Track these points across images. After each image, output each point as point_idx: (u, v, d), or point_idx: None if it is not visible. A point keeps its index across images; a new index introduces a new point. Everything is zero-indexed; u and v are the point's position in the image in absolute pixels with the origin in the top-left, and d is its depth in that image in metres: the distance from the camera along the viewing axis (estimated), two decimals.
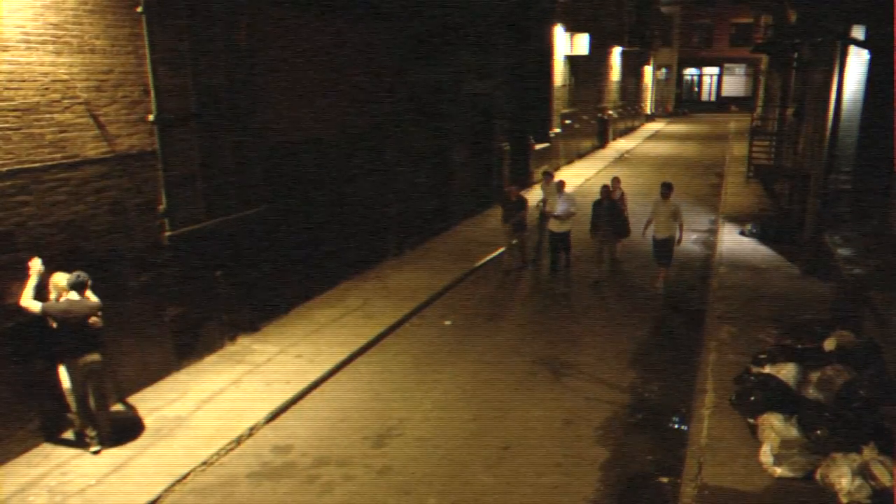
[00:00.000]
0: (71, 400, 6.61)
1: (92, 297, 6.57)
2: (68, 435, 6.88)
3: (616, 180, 13.25)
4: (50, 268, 6.56)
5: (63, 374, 6.57)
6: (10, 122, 6.18)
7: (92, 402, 6.63)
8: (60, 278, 6.46)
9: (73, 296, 6.40)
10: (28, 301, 6.27)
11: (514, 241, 12.57)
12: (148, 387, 7.88)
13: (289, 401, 7.74)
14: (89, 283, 6.53)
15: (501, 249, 13.87)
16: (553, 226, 12.29)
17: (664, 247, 11.48)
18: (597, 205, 11.95)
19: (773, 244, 13.66)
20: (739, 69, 52.27)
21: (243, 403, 7.61)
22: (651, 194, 20.63)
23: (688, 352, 9.13)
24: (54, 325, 6.39)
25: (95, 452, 6.60)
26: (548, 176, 13.44)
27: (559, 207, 12.08)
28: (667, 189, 11.39)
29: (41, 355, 6.59)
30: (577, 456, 6.78)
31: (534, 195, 19.52)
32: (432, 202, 14.82)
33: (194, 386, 7.97)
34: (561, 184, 12.47)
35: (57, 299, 6.43)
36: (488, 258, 13.23)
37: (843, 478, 5.74)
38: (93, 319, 6.48)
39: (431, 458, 6.77)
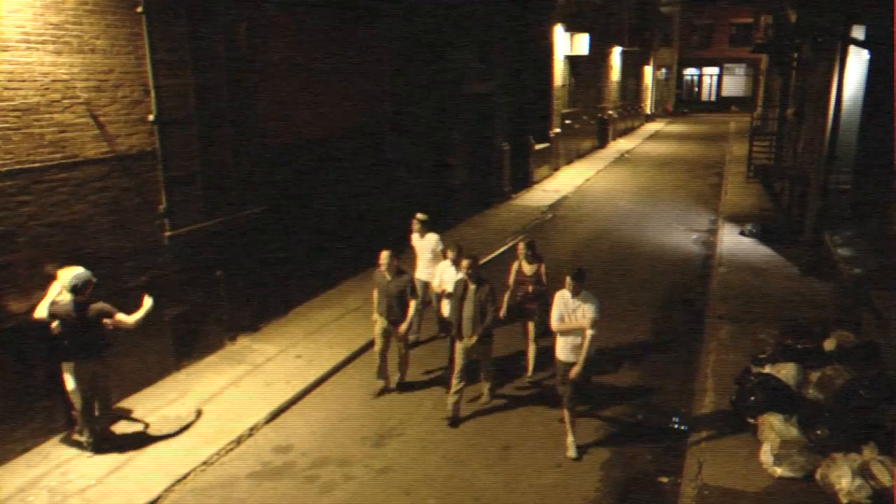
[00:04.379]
0: (76, 399, 6.59)
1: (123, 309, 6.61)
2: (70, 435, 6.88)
3: (530, 246, 8.29)
4: (50, 267, 6.59)
5: (67, 374, 6.57)
6: (10, 122, 6.18)
7: (95, 404, 6.62)
8: (67, 275, 6.45)
9: (66, 296, 6.36)
10: (41, 312, 6.35)
11: (384, 340, 7.85)
12: (148, 387, 7.87)
13: (289, 401, 7.73)
14: (92, 285, 6.46)
15: (501, 250, 13.92)
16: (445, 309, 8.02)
17: (567, 375, 6.67)
18: (457, 287, 7.46)
19: (773, 244, 13.67)
20: (739, 69, 52.26)
21: (243, 403, 7.61)
22: (652, 195, 20.81)
23: (688, 352, 9.13)
24: (54, 325, 6.40)
25: (89, 456, 6.59)
26: (422, 226, 9.12)
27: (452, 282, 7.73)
28: (577, 280, 6.52)
29: (49, 355, 6.61)
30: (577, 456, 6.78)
31: (534, 195, 19.58)
32: (432, 202, 14.81)
33: (194, 386, 7.97)
34: (458, 251, 8.08)
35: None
36: (488, 258, 13.22)
37: (843, 478, 5.75)
38: (109, 321, 6.53)
39: (431, 458, 6.77)
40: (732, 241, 14.17)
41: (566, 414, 6.84)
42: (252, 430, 7.17)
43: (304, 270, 10.54)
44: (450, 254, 8.17)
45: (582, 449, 6.83)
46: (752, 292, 10.94)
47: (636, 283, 11.93)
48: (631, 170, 25.17)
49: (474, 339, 7.27)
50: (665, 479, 6.43)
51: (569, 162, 25.64)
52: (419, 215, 9.20)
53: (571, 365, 6.65)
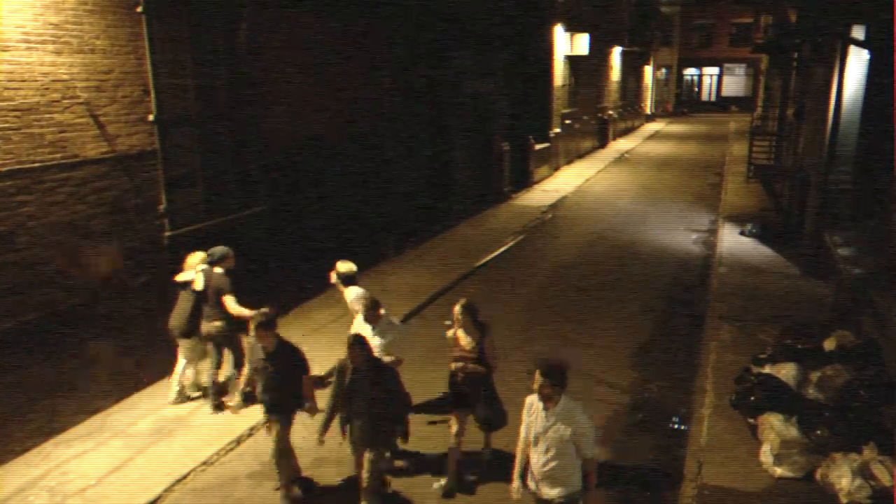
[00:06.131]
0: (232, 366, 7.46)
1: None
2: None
3: (468, 309, 5.96)
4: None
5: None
6: (10, 122, 6.19)
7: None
8: (196, 258, 7.30)
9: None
10: (186, 276, 7.29)
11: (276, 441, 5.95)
12: (148, 387, 7.87)
13: None
14: (228, 258, 7.46)
15: (501, 250, 13.93)
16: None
17: None
18: (341, 373, 5.59)
19: (773, 244, 13.66)
20: (739, 69, 52.28)
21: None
22: (652, 195, 20.77)
23: (688, 352, 9.13)
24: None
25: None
26: (339, 279, 7.36)
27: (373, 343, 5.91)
28: (551, 379, 4.52)
29: (49, 356, 6.68)
30: None
31: (534, 195, 19.56)
32: (432, 202, 14.82)
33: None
34: (373, 308, 6.40)
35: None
36: (488, 258, 13.23)
37: (843, 478, 5.74)
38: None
39: (432, 458, 6.76)
40: (732, 241, 14.16)
41: None
42: (252, 430, 7.17)
43: (304, 270, 10.54)
44: (359, 306, 6.57)
45: None
46: (752, 292, 10.93)
47: (636, 283, 11.93)
48: (631, 170, 25.17)
49: (367, 459, 5.53)
50: (665, 479, 6.43)
51: (569, 162, 25.64)
52: (339, 265, 7.30)
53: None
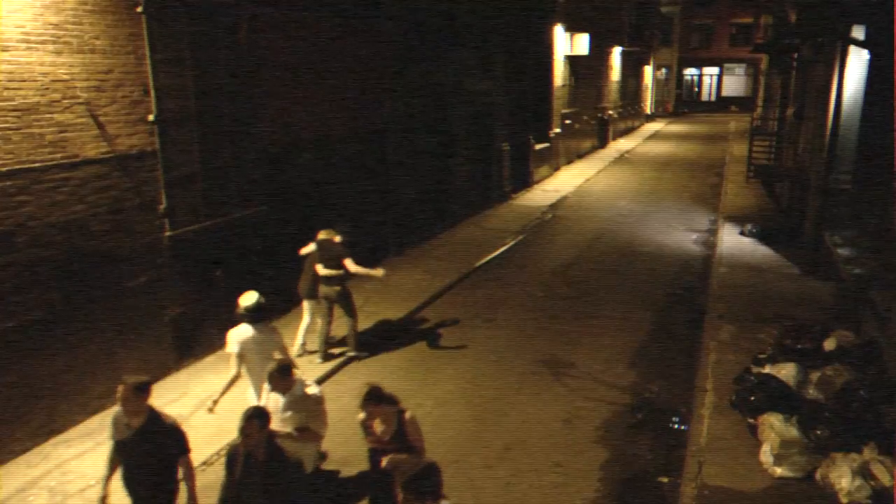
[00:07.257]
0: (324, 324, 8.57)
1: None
2: None
3: (372, 396, 4.83)
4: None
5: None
6: (10, 122, 6.19)
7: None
8: (324, 233, 8.41)
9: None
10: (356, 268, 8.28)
11: None
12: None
13: None
14: (345, 233, 8.52)
15: (501, 250, 13.93)
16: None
17: None
18: (231, 462, 4.45)
19: (773, 244, 13.66)
20: (739, 69, 52.29)
21: (244, 403, 7.59)
22: (652, 195, 20.77)
23: (688, 352, 9.14)
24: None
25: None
26: (242, 315, 6.35)
27: (279, 417, 5.28)
28: (420, 489, 3.81)
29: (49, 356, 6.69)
30: (577, 456, 6.78)
31: (534, 195, 19.57)
32: (432, 202, 14.82)
33: (194, 386, 7.97)
34: (283, 373, 5.36)
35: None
36: (488, 258, 13.23)
37: (843, 478, 5.75)
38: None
39: (431, 458, 6.75)
40: (732, 241, 14.16)
41: None
42: None
43: None
44: (235, 347, 6.10)
45: None
46: (752, 292, 10.93)
47: (636, 283, 11.93)
48: (631, 170, 25.18)
49: None
50: (665, 479, 6.43)
51: (569, 162, 25.65)
52: (242, 298, 6.27)
53: None
